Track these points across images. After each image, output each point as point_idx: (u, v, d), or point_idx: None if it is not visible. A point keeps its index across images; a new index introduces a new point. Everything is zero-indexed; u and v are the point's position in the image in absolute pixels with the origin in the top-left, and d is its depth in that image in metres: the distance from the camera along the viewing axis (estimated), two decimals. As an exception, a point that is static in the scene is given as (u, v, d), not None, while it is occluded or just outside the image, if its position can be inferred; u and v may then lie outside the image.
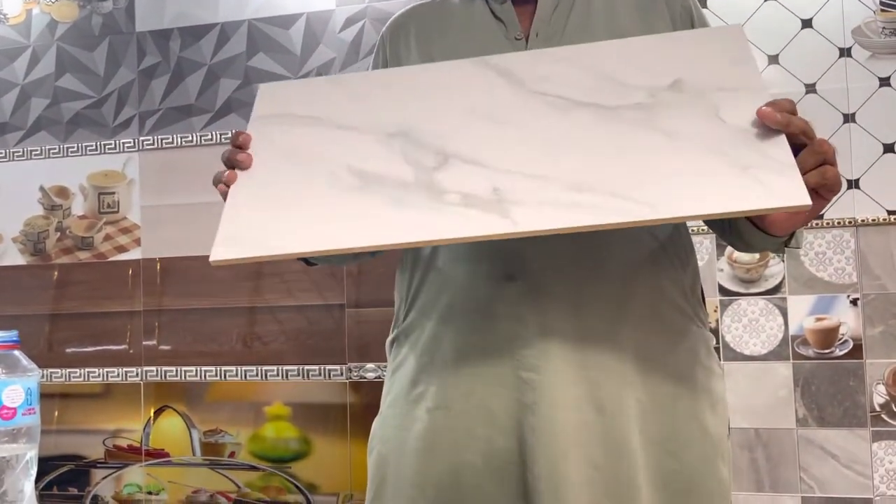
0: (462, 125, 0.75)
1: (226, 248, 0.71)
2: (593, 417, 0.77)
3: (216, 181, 0.78)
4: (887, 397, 1.51)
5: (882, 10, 1.54)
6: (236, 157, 0.77)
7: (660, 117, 0.72)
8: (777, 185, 0.64)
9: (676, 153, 0.68)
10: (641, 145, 0.70)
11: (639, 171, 0.67)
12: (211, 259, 0.71)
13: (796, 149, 0.68)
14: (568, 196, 0.67)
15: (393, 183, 0.72)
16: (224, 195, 0.77)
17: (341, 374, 1.74)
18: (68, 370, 1.89)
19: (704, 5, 1.62)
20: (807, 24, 1.58)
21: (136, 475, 1.84)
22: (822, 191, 0.69)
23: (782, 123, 0.67)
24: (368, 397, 1.72)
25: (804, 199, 0.63)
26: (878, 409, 1.51)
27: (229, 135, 1.82)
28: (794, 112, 0.69)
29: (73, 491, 1.88)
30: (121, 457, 1.85)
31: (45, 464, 1.87)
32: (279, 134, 0.79)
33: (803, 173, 0.67)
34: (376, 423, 0.89)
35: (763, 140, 0.67)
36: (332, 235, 0.70)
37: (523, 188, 0.69)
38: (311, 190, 0.74)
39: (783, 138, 0.67)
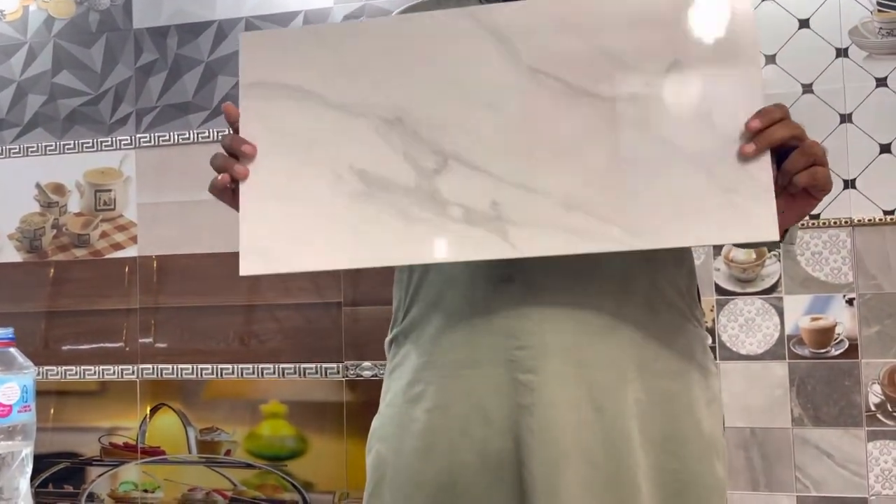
0: (458, 113, 0.74)
1: (254, 261, 0.76)
2: (593, 417, 0.78)
3: (220, 168, 0.77)
4: (882, 397, 1.51)
5: (879, 11, 1.55)
6: (240, 148, 0.77)
7: (653, 115, 0.72)
8: (752, 214, 0.69)
9: (667, 170, 0.71)
10: (635, 156, 0.71)
11: (630, 193, 0.71)
12: (241, 273, 0.76)
13: (788, 150, 0.70)
14: (562, 217, 0.71)
15: (396, 189, 0.74)
16: (225, 185, 0.77)
17: (338, 373, 1.74)
18: (64, 367, 1.89)
19: (702, 5, 1.62)
20: (804, 24, 1.58)
21: (131, 473, 1.84)
22: (813, 191, 0.71)
23: (761, 149, 0.69)
24: (365, 395, 1.72)
25: (773, 234, 0.69)
26: (873, 408, 1.51)
27: (227, 132, 1.82)
28: (784, 117, 0.69)
29: (69, 488, 1.87)
30: (116, 454, 1.85)
31: (41, 461, 1.87)
32: (274, 113, 0.78)
33: (794, 173, 0.69)
34: (375, 422, 0.90)
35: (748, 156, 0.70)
36: (350, 252, 0.75)
37: (520, 204, 0.72)
38: (320, 194, 0.75)
39: (767, 156, 0.70)
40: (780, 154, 0.71)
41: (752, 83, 0.71)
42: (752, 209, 0.69)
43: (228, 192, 0.78)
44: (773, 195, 0.69)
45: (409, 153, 0.74)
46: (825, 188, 0.70)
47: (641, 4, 0.73)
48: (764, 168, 0.69)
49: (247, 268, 0.76)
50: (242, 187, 0.77)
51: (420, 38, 0.76)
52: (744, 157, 0.69)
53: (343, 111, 0.76)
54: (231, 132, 0.79)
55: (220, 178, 0.77)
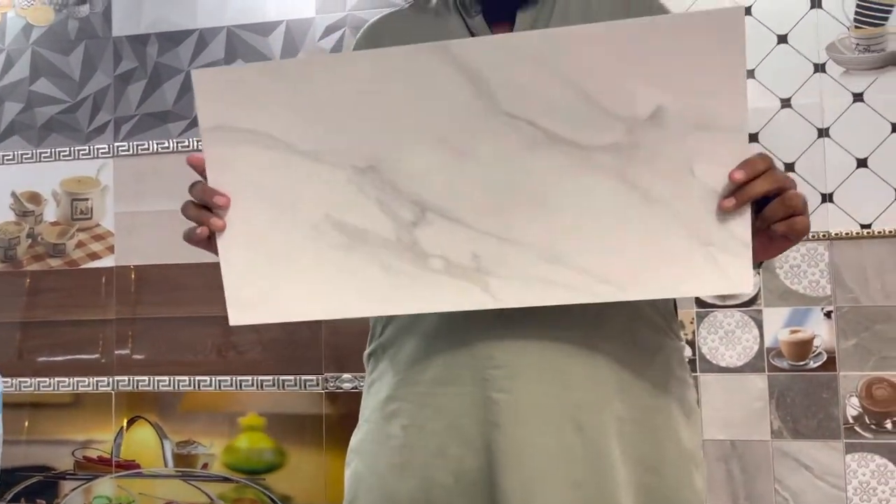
0: (432, 161, 0.71)
1: (242, 312, 0.76)
2: (573, 436, 0.78)
3: (194, 220, 0.75)
4: (860, 410, 1.52)
5: (856, 27, 1.57)
6: (213, 200, 0.74)
7: (633, 165, 0.69)
8: (729, 269, 0.70)
9: (646, 222, 0.70)
10: (613, 208, 0.70)
11: (609, 244, 0.71)
12: (231, 323, 0.76)
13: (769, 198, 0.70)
14: (542, 269, 0.71)
15: (376, 240, 0.73)
16: (203, 238, 0.75)
17: (317, 385, 1.72)
18: (37, 379, 1.85)
19: (682, 19, 1.63)
20: (782, 39, 1.60)
21: (106, 487, 1.81)
22: (791, 236, 0.71)
23: (741, 204, 0.69)
24: (344, 408, 1.70)
25: (747, 287, 0.70)
26: (851, 421, 1.52)
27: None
28: (767, 168, 0.69)
29: (42, 503, 1.84)
30: (90, 468, 1.82)
31: (13, 475, 1.83)
32: (241, 160, 0.74)
33: (772, 222, 0.69)
34: (354, 438, 0.89)
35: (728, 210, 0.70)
36: (335, 303, 0.75)
37: (500, 255, 0.72)
38: (299, 245, 0.74)
39: (747, 210, 0.69)
40: (761, 200, 0.70)
41: (738, 132, 0.68)
42: (729, 264, 0.70)
43: (205, 241, 0.77)
44: (751, 249, 0.69)
45: (386, 203, 0.72)
46: (802, 234, 0.71)
47: (625, 46, 0.68)
48: (743, 223, 0.69)
49: (236, 318, 0.76)
50: (220, 240, 0.75)
51: (389, 77, 0.71)
52: (723, 210, 0.69)
53: (313, 159, 0.73)
54: (200, 182, 0.76)
55: (197, 231, 0.75)
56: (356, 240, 0.73)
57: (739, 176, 0.68)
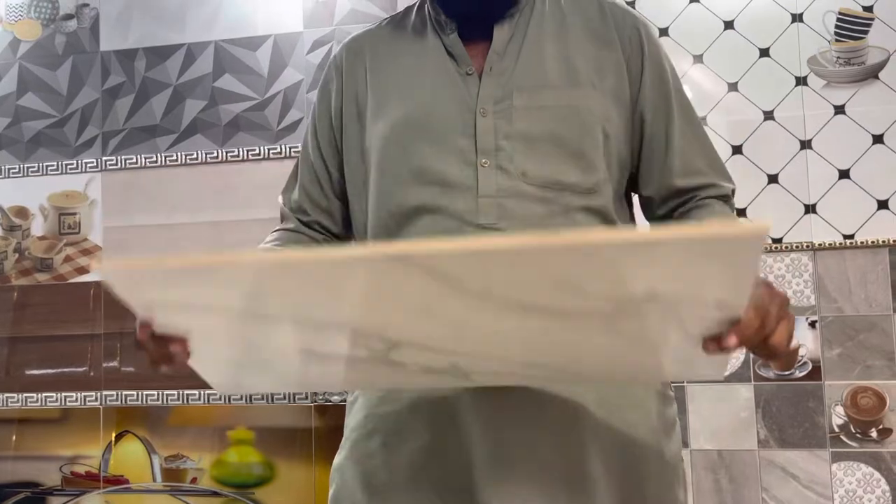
0: (403, 321, 0.64)
1: (226, 388, 0.82)
2: (552, 454, 0.78)
3: (158, 362, 0.70)
4: (845, 419, 1.53)
5: (836, 41, 1.59)
6: (170, 351, 0.67)
7: (621, 323, 0.62)
8: (703, 373, 0.76)
9: (629, 355, 0.69)
10: (596, 348, 0.67)
11: (587, 364, 0.73)
12: (218, 392, 0.80)
13: None
14: (520, 370, 0.74)
15: (350, 359, 0.71)
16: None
17: (306, 398, 1.72)
18: (25, 395, 1.84)
19: (666, 33, 1.65)
20: (764, 52, 1.62)
21: (94, 503, 1.80)
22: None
23: (732, 351, 0.65)
24: (333, 421, 1.70)
25: (719, 378, 0.77)
26: (836, 430, 1.53)
27: (195, 156, 1.81)
28: (761, 328, 0.65)
29: (29, 519, 1.83)
30: (78, 484, 1.81)
31: (1, 490, 1.82)
32: (189, 322, 0.66)
33: (753, 350, 0.70)
34: (337, 458, 0.90)
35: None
36: (318, 383, 0.81)
37: (477, 365, 0.73)
38: (269, 364, 0.75)
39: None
40: None
41: (737, 311, 0.61)
42: (705, 372, 0.75)
43: None
44: (727, 365, 0.74)
45: (355, 339, 0.67)
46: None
47: (617, 260, 0.55)
48: (724, 355, 0.66)
49: (220, 390, 0.82)
50: (190, 363, 0.70)
51: (346, 279, 0.59)
52: (705, 351, 0.64)
53: (268, 321, 0.65)
54: (152, 338, 0.68)
55: (163, 369, 0.71)
56: (328, 358, 0.72)
57: (732, 343, 0.62)
